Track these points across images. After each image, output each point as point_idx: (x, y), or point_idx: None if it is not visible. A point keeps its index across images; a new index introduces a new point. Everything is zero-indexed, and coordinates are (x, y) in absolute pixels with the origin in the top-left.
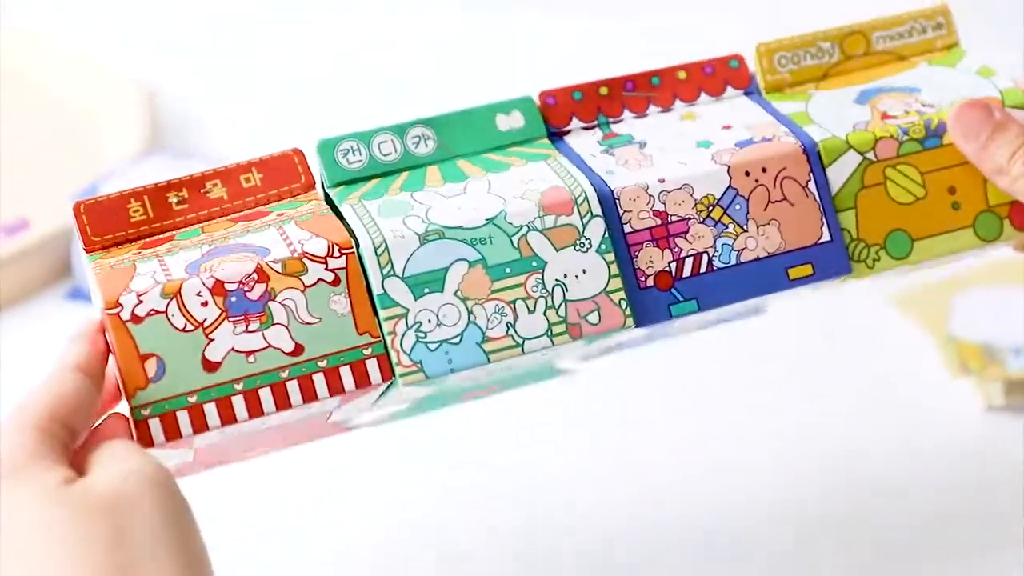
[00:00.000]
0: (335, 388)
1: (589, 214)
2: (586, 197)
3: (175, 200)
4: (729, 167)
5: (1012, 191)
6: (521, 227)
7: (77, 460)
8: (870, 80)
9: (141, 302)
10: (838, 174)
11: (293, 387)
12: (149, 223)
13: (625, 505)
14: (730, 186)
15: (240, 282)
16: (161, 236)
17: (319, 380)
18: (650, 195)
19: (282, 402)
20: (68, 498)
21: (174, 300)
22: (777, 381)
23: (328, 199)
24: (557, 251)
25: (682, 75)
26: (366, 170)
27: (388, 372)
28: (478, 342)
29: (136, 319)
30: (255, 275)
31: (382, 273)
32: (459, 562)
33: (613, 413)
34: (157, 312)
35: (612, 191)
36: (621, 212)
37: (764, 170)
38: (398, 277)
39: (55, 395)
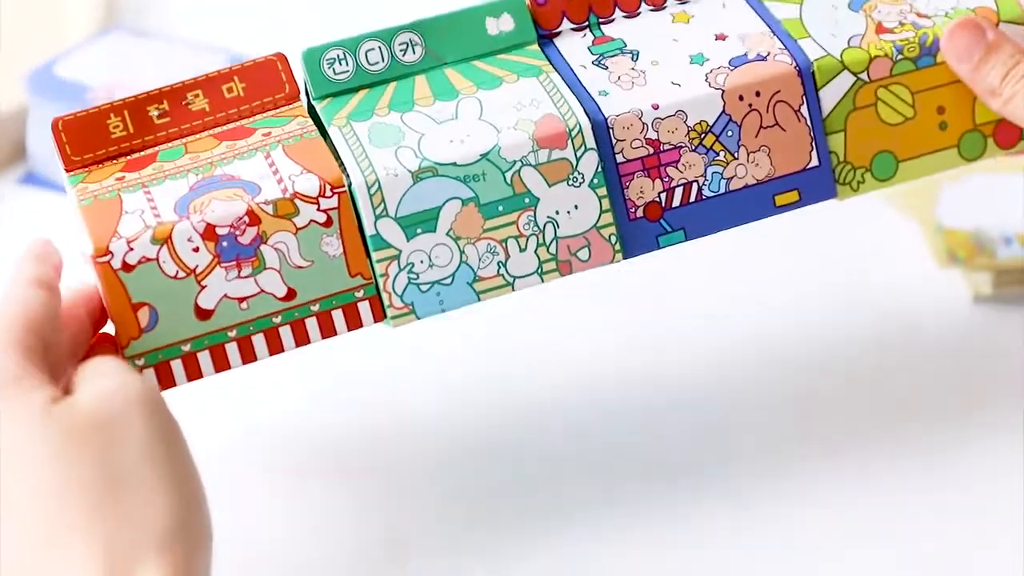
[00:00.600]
0: (327, 331)
1: (583, 147)
2: (580, 129)
3: (156, 113)
4: (723, 91)
5: (1004, 112)
6: (515, 162)
7: (60, 375)
8: None
9: (132, 249)
10: (831, 95)
11: (286, 332)
12: (130, 139)
13: (612, 388)
14: (724, 111)
15: (231, 226)
16: (143, 154)
17: (311, 324)
18: (644, 123)
19: (275, 347)
20: (55, 417)
21: (165, 246)
22: (761, 271)
23: (312, 111)
24: (550, 187)
25: None
26: (353, 81)
27: (380, 313)
28: (469, 282)
29: (127, 267)
30: (246, 218)
31: (375, 213)
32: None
33: (601, 304)
34: (148, 260)
35: (606, 120)
36: (614, 142)
37: (758, 94)
38: (391, 218)
39: (26, 311)
